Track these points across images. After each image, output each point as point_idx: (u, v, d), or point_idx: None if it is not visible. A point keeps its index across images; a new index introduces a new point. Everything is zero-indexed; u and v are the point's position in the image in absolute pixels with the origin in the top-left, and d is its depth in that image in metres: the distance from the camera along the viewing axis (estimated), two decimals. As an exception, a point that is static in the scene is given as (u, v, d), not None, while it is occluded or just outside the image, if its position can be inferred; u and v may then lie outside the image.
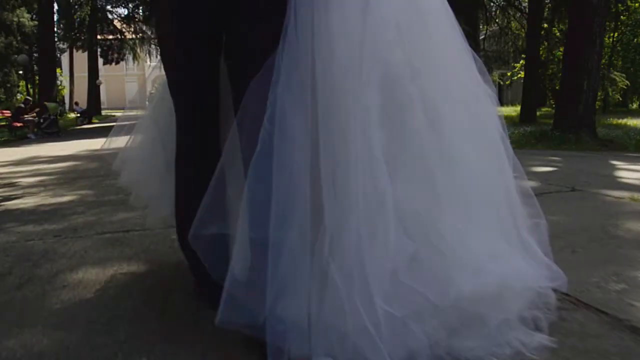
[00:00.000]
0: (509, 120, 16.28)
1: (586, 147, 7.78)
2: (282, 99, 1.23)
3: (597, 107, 10.75)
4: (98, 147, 8.90)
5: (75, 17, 26.70)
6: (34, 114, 14.03)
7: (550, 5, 17.36)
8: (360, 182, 1.21)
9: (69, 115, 27.09)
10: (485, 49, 21.85)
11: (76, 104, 24.04)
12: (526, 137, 8.89)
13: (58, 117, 14.84)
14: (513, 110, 24.46)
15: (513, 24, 23.01)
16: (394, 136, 1.30)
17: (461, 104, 1.47)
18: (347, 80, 1.26)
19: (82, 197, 3.67)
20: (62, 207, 3.27)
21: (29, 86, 31.00)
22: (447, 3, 1.54)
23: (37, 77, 28.03)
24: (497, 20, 22.71)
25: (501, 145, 1.53)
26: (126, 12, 27.70)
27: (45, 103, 14.66)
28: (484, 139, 1.51)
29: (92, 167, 5.64)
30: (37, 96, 21.90)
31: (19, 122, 13.78)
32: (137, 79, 47.18)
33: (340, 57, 1.26)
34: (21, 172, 5.55)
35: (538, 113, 16.28)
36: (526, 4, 23.76)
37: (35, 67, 28.78)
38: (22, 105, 14.46)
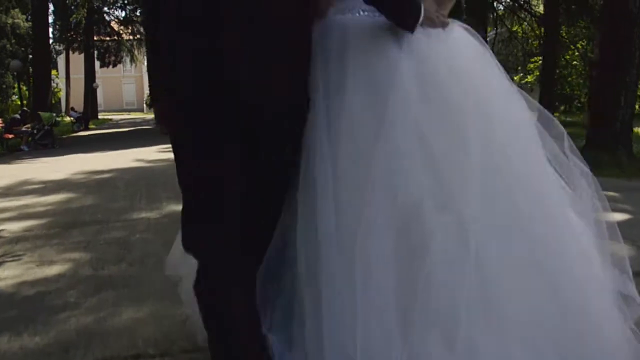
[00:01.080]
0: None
1: (629, 172, 7.12)
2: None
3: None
4: (94, 166, 8.22)
5: (71, 19, 25.93)
6: (29, 126, 13.28)
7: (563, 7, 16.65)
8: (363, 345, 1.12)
9: (65, 119, 26.31)
10: (495, 53, 21.22)
11: (72, 109, 23.23)
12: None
13: (53, 128, 14.04)
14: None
15: (523, 26, 22.40)
16: (408, 289, 1.16)
17: (526, 234, 1.23)
18: (349, 216, 1.20)
19: (75, 267, 2.97)
20: (48, 292, 2.57)
21: (24, 88, 30.20)
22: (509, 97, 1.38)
23: (32, 79, 27.24)
24: (506, 23, 22.08)
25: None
26: (124, 14, 26.89)
27: (39, 113, 13.91)
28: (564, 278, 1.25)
29: (88, 204, 4.95)
30: (31, 98, 21.05)
31: (11, 134, 13.05)
32: (135, 80, 46.41)
33: (345, 183, 1.22)
34: (6, 210, 4.85)
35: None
36: (535, 5, 23.21)
37: (31, 69, 27.96)
38: (18, 117, 13.69)
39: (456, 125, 1.25)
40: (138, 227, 3.88)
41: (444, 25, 1.36)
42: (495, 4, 19.90)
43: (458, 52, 1.36)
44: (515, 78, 25.60)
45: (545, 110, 1.46)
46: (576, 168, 1.43)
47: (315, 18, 1.37)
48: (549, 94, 14.53)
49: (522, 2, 21.44)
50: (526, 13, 21.30)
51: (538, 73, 24.04)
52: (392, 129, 1.21)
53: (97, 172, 7.54)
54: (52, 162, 9.89)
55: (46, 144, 13.32)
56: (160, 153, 10.14)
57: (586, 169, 1.46)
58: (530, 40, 22.87)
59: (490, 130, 1.30)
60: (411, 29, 1.31)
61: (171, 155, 1.37)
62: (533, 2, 22.50)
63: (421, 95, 1.25)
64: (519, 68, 24.23)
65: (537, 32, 21.54)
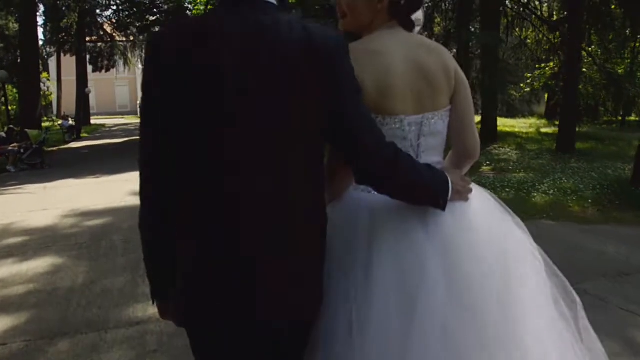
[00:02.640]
0: (539, 144, 14.76)
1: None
2: None
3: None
4: (86, 203, 7.28)
5: (61, 24, 24.83)
6: (15, 145, 12.24)
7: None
8: None
9: (57, 123, 25.20)
10: (505, 60, 20.46)
11: (64, 117, 22.11)
12: (599, 198, 7.25)
13: (43, 147, 12.99)
14: (525, 123, 23.03)
15: (535, 32, 21.66)
16: None
17: None
18: None
19: None
20: None
21: (15, 90, 29.07)
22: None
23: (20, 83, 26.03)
24: (516, 30, 21.35)
25: None
26: (117, 17, 25.76)
27: (27, 130, 12.87)
28: None
29: (80, 284, 4.03)
30: (19, 100, 19.90)
31: (-4, 153, 12.05)
32: (128, 83, 45.28)
33: None
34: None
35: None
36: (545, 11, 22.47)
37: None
38: (3, 135, 12.64)
39: (479, 320, 1.26)
40: (147, 341, 2.98)
41: (469, 192, 1.40)
42: (506, 10, 19.12)
43: (480, 226, 1.37)
44: (522, 85, 24.93)
45: (564, 279, 1.49)
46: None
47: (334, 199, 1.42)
48: (572, 110, 13.69)
49: (532, 8, 20.73)
50: (537, 19, 20.59)
51: (544, 80, 23.44)
52: (421, 336, 1.22)
53: (89, 214, 6.60)
54: (40, 192, 8.93)
55: (35, 164, 12.31)
56: (159, 181, 9.21)
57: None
58: (542, 46, 22.14)
59: (510, 320, 1.30)
60: (442, 208, 1.32)
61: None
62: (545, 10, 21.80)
63: (448, 291, 1.25)
64: (528, 75, 23.43)
65: (549, 37, 20.86)
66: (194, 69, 1.13)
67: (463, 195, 1.37)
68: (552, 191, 7.46)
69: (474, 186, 1.44)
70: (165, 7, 20.32)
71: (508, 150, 14.03)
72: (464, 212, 1.36)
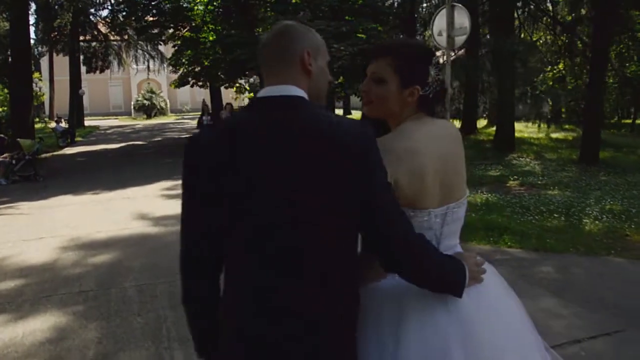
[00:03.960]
0: (556, 152, 14.03)
1: None
2: None
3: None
4: (86, 229, 6.51)
5: (54, 24, 23.85)
6: (6, 155, 11.38)
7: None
8: None
9: (49, 127, 24.28)
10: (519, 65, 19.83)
11: (57, 121, 21.16)
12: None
13: (37, 157, 12.12)
14: (533, 129, 22.36)
15: (544, 36, 21.12)
16: None
17: None
18: None
19: None
20: None
21: (6, 91, 28.07)
22: None
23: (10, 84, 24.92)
24: (528, 31, 20.77)
25: None
26: (111, 17, 24.79)
27: (19, 140, 11.99)
28: None
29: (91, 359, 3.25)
30: (11, 102, 18.91)
31: (-15, 165, 11.17)
32: (122, 83, 44.23)
33: None
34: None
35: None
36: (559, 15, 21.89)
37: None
38: (-6, 145, 11.80)
39: None
40: None
41: (482, 273, 1.45)
42: (517, 12, 18.46)
43: (493, 308, 1.45)
44: (529, 88, 24.30)
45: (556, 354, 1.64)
46: None
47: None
48: (597, 121, 13.05)
49: (545, 9, 20.13)
50: (550, 20, 19.99)
51: (551, 83, 22.95)
52: None
53: (92, 246, 5.82)
54: (34, 211, 8.12)
55: (28, 176, 11.45)
56: (165, 201, 8.44)
57: None
58: (551, 48, 21.58)
59: None
60: (460, 295, 1.37)
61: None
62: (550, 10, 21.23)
63: None
64: (536, 79, 22.83)
65: (562, 38, 20.32)
66: (228, 172, 1.19)
67: (478, 279, 1.44)
68: (603, 216, 6.76)
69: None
70: (163, 7, 19.42)
71: (528, 160, 13.37)
72: (478, 292, 1.42)
